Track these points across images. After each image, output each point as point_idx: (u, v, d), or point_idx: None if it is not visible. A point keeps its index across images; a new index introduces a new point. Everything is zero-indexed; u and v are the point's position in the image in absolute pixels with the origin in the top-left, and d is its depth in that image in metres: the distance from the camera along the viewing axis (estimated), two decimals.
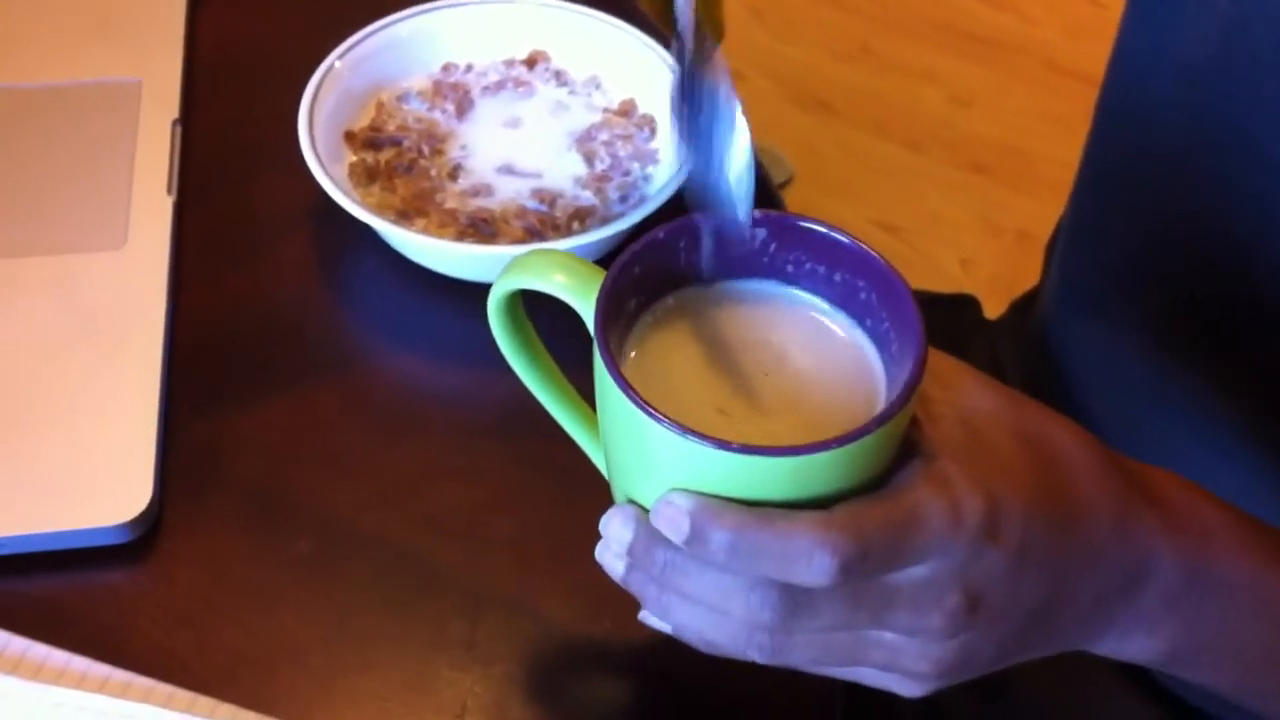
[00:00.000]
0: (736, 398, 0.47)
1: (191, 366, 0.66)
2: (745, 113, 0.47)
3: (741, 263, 0.49)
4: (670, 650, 0.56)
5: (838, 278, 0.48)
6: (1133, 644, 0.50)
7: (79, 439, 0.62)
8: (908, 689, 0.48)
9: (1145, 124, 0.70)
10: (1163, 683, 0.72)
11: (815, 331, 0.49)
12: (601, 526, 0.47)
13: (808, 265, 0.49)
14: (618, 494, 0.49)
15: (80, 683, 0.56)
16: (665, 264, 0.49)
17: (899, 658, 0.46)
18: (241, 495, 0.62)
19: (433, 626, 0.58)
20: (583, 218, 0.69)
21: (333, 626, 0.58)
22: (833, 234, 0.48)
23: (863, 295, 0.48)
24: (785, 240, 0.49)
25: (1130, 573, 0.48)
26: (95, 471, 0.61)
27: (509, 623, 0.58)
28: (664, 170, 0.72)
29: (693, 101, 0.48)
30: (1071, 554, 0.47)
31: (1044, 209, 0.87)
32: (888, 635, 0.46)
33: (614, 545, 0.46)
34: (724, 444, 0.42)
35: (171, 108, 0.75)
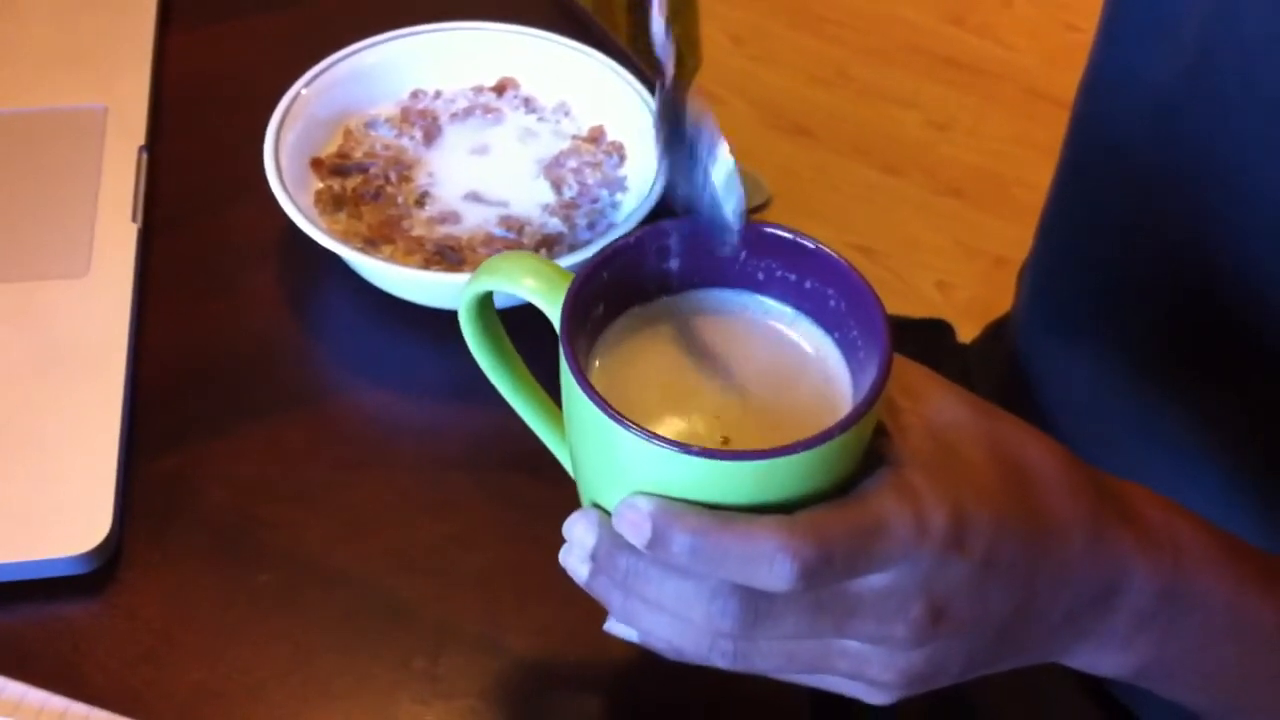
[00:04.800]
0: (702, 403, 0.47)
1: (157, 396, 0.66)
2: (722, 134, 0.48)
3: (711, 270, 0.49)
4: (634, 683, 0.56)
5: (808, 285, 0.49)
6: (1106, 659, 0.50)
7: (39, 468, 0.61)
8: (874, 697, 0.47)
9: (1117, 151, 0.70)
10: (1123, 699, 0.72)
11: (782, 340, 0.49)
12: (565, 530, 0.47)
13: (778, 273, 0.49)
14: (584, 497, 0.49)
15: (37, 715, 0.55)
16: (634, 270, 0.49)
17: (864, 666, 0.46)
18: (205, 527, 0.61)
19: (396, 661, 0.57)
20: (550, 245, 0.68)
21: (295, 661, 0.57)
22: (802, 240, 0.48)
23: (832, 302, 0.48)
24: (756, 247, 0.49)
25: (1103, 588, 0.48)
26: (55, 501, 0.60)
27: (473, 657, 0.57)
28: (632, 197, 0.71)
29: (672, 122, 0.48)
30: (1041, 568, 0.46)
31: (1021, 233, 0.87)
32: (852, 644, 0.46)
33: (577, 550, 0.46)
34: (686, 448, 0.42)
35: (138, 135, 0.75)
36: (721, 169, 0.48)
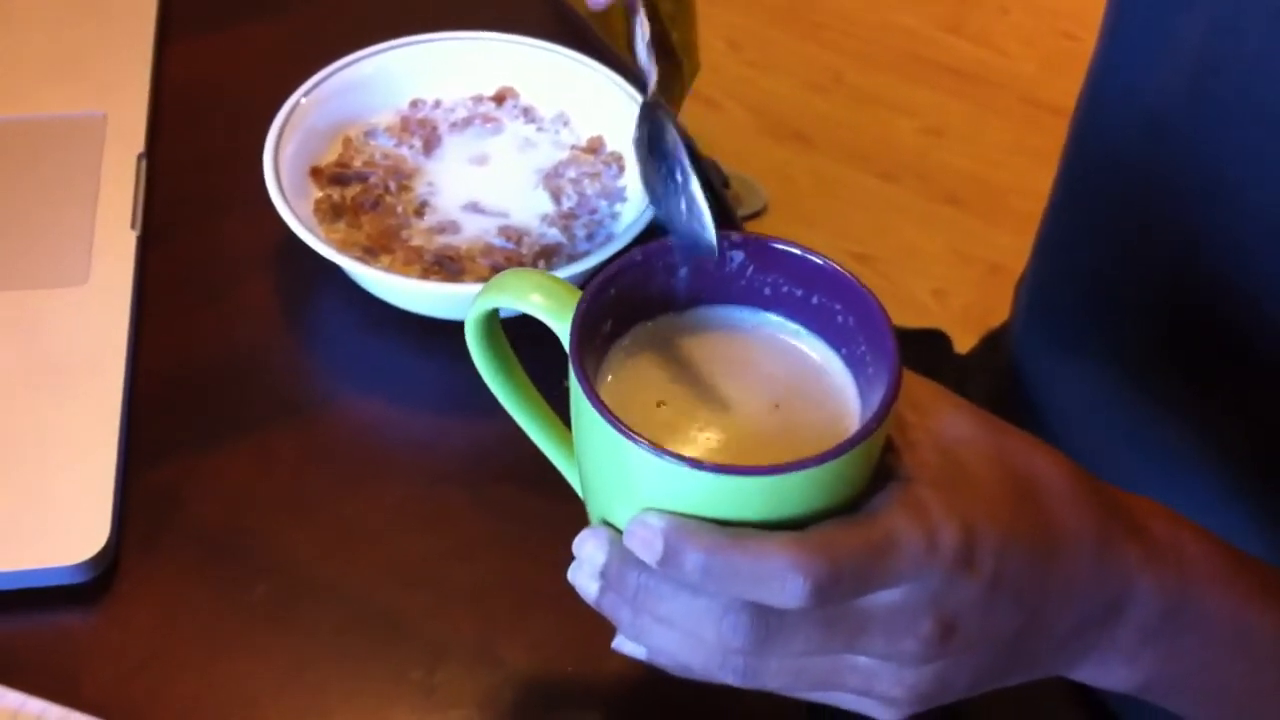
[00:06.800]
0: (711, 419, 0.47)
1: (153, 405, 0.65)
2: (697, 152, 0.48)
3: (718, 286, 0.50)
4: (632, 698, 0.56)
5: (815, 300, 0.49)
6: (1111, 673, 0.50)
7: (37, 477, 0.61)
8: (884, 713, 0.47)
9: (1116, 164, 0.70)
10: (1114, 707, 0.72)
11: (791, 356, 0.49)
12: (575, 548, 0.47)
13: (785, 288, 0.49)
14: (593, 515, 0.49)
15: None
16: (642, 287, 0.49)
17: (874, 682, 0.46)
18: (200, 539, 0.61)
19: (391, 674, 0.57)
20: (549, 256, 0.68)
21: (289, 674, 0.57)
22: (809, 256, 0.48)
23: (839, 318, 0.48)
24: (762, 263, 0.49)
25: (1109, 603, 0.48)
26: (52, 510, 0.60)
27: (469, 671, 0.57)
28: (631, 208, 0.71)
29: (652, 139, 0.49)
30: (1048, 584, 0.46)
31: (1016, 241, 0.87)
32: (862, 660, 0.46)
33: (587, 566, 0.46)
34: (698, 463, 0.42)
35: (137, 142, 0.75)
36: (696, 189, 0.49)
